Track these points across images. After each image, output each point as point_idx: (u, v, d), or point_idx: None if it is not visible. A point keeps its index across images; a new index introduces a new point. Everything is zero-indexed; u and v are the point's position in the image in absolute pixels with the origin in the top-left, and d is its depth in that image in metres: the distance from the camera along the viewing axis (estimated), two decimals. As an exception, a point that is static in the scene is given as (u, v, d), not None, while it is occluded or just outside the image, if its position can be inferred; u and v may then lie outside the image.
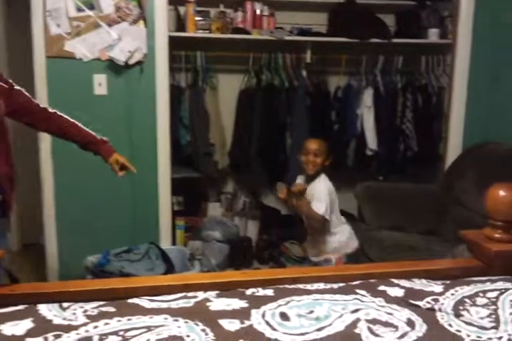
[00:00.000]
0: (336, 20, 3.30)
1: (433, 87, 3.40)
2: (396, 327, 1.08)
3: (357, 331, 1.06)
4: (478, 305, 1.16)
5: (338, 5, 3.31)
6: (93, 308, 1.16)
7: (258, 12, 3.19)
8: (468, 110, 3.12)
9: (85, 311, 1.15)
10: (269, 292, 1.24)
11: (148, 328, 1.06)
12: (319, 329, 1.07)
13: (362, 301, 1.19)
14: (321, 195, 2.52)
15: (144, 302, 1.19)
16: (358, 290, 1.25)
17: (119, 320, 1.09)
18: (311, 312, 1.13)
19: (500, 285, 1.25)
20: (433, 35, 3.34)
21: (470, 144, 3.03)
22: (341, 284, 1.30)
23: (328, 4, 3.34)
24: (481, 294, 1.21)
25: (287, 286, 1.29)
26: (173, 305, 1.18)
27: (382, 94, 3.34)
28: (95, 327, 1.07)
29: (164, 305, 1.18)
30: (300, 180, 2.72)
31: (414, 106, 3.36)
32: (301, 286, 1.28)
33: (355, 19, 3.24)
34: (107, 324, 1.08)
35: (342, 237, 2.62)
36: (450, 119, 3.17)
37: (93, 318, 1.11)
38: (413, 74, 3.43)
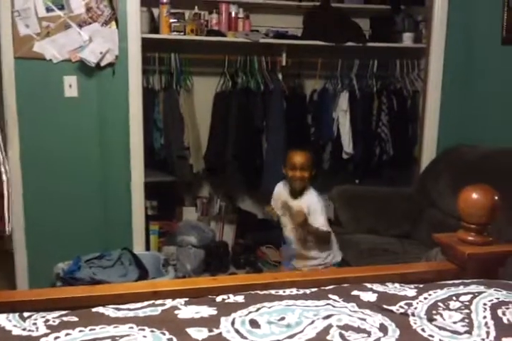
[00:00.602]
0: (311, 24, 3.30)
1: (408, 90, 3.44)
2: (368, 333, 1.05)
3: (329, 337, 1.03)
4: (451, 309, 1.15)
5: (313, 8, 3.31)
6: (55, 318, 1.11)
7: (233, 14, 3.17)
8: (443, 114, 3.15)
9: (47, 321, 1.09)
10: (240, 298, 1.21)
11: (113, 338, 1.01)
12: (290, 337, 1.04)
13: (334, 307, 1.17)
14: (319, 210, 2.42)
15: (108, 311, 1.14)
16: (330, 296, 1.23)
17: (81, 330, 1.04)
18: (282, 318, 1.10)
19: (473, 288, 1.24)
20: (407, 39, 3.37)
21: (444, 147, 3.06)
22: (314, 289, 1.27)
23: (303, 7, 3.34)
24: (454, 298, 1.19)
25: (259, 292, 1.25)
26: (140, 313, 1.14)
27: (358, 97, 3.36)
28: (56, 337, 1.02)
29: (130, 314, 1.13)
30: (280, 188, 2.60)
31: (390, 110, 3.38)
32: (272, 292, 1.25)
33: (331, 23, 3.25)
34: (68, 334, 1.03)
35: (333, 246, 2.54)
36: (425, 123, 3.19)
37: (54, 328, 1.06)
38: (388, 78, 3.45)
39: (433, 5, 3.06)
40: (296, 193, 2.50)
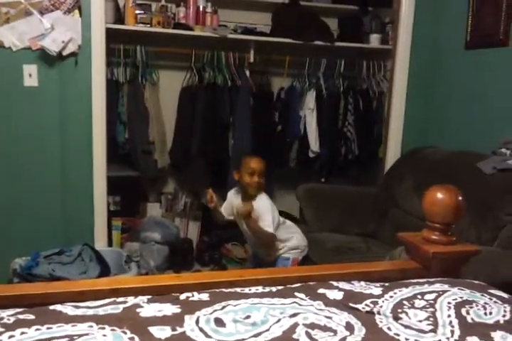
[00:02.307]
0: (279, 21, 3.29)
1: (374, 91, 3.47)
2: (335, 332, 1.04)
3: (295, 336, 1.02)
4: (416, 308, 1.15)
5: (281, 6, 3.30)
6: (10, 316, 1.05)
7: (201, 8, 3.12)
8: (407, 115, 3.20)
9: (1, 319, 1.04)
10: (205, 296, 1.18)
11: (71, 337, 0.97)
12: (256, 335, 1.02)
13: (300, 305, 1.15)
14: (266, 213, 2.41)
15: (67, 308, 1.10)
16: (296, 294, 1.21)
17: (37, 329, 0.99)
18: (248, 317, 1.08)
19: (437, 287, 1.24)
20: (374, 40, 3.41)
21: (409, 148, 3.11)
22: (280, 287, 1.26)
23: (272, 4, 3.33)
24: (419, 296, 1.20)
25: (224, 290, 1.23)
26: (100, 311, 1.09)
27: (325, 96, 3.37)
28: (10, 336, 0.97)
29: (90, 312, 1.09)
30: (232, 196, 2.58)
31: (356, 110, 3.41)
32: (238, 290, 1.23)
33: (299, 21, 3.24)
34: (23, 333, 0.98)
35: (295, 241, 2.52)
36: (390, 123, 3.23)
37: (9, 327, 1.00)
38: (355, 78, 3.48)
39: (400, 7, 3.11)
40: (247, 197, 2.47)
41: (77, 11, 2.55)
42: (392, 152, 3.21)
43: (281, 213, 2.94)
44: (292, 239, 2.51)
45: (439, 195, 1.41)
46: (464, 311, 1.12)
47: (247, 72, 3.27)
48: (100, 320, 1.04)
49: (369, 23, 3.47)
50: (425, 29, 3.12)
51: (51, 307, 1.11)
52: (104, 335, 0.98)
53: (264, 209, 2.42)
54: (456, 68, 3.02)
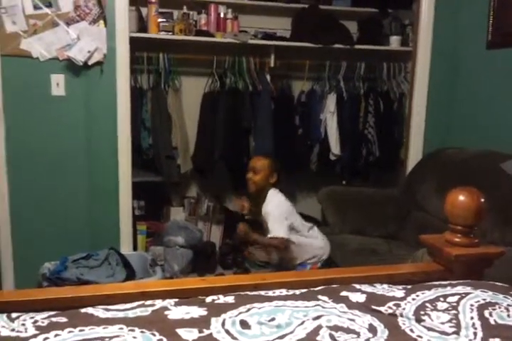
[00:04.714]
0: (299, 25, 3.31)
1: (394, 93, 3.46)
2: (358, 334, 1.06)
3: (319, 338, 1.04)
4: (439, 310, 1.16)
5: (301, 10, 3.32)
6: (43, 319, 1.10)
7: (222, 15, 3.17)
8: (429, 116, 3.19)
9: (35, 322, 1.08)
10: (230, 299, 1.21)
11: (102, 339, 1.01)
12: (281, 337, 1.04)
13: (324, 307, 1.17)
14: (274, 216, 2.40)
15: (98, 311, 1.14)
16: (319, 296, 1.24)
17: (70, 331, 1.03)
18: (273, 319, 1.11)
19: (460, 289, 1.25)
20: (394, 42, 3.40)
21: (430, 149, 3.09)
22: (303, 290, 1.28)
23: (291, 9, 3.35)
24: (441, 299, 1.21)
25: (248, 293, 1.25)
26: (130, 314, 1.13)
27: (345, 99, 3.37)
28: (45, 339, 1.01)
29: (120, 315, 1.13)
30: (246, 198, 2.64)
31: (376, 112, 3.41)
32: (262, 293, 1.25)
33: (319, 25, 3.26)
34: (57, 335, 1.02)
35: (316, 244, 2.54)
36: (411, 125, 3.22)
37: (43, 329, 1.05)
38: (375, 80, 3.47)
39: (420, 9, 3.10)
40: (253, 197, 2.50)
41: (102, 21, 2.62)
42: (414, 154, 3.20)
43: (302, 216, 2.97)
44: (311, 244, 2.51)
45: (461, 197, 1.42)
46: (486, 313, 1.13)
47: (268, 77, 3.29)
48: (130, 323, 1.08)
49: (389, 25, 3.46)
50: (445, 30, 3.10)
51: (83, 310, 1.15)
52: (134, 337, 1.02)
53: (270, 217, 2.41)
54: (477, 68, 3.00)
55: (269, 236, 2.41)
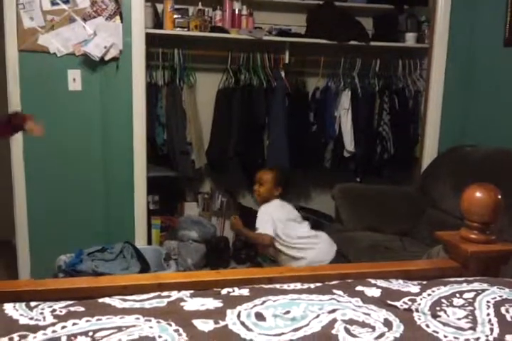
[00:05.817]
0: (314, 22, 3.30)
1: (410, 90, 3.44)
2: (373, 328, 1.06)
3: (334, 331, 1.04)
4: (455, 306, 1.15)
5: (316, 6, 3.31)
6: (61, 308, 1.11)
7: (237, 11, 3.17)
8: (444, 113, 3.17)
9: (53, 311, 1.10)
10: (245, 292, 1.22)
11: (119, 328, 1.02)
12: (295, 330, 1.04)
13: (339, 301, 1.17)
14: (262, 216, 2.52)
15: (115, 301, 1.15)
16: (334, 290, 1.24)
17: (88, 320, 1.05)
18: (288, 312, 1.11)
19: (476, 285, 1.24)
20: (410, 39, 3.38)
21: (446, 147, 3.07)
22: (318, 284, 1.28)
23: (306, 5, 3.34)
24: (457, 295, 1.20)
25: (263, 286, 1.26)
26: (146, 304, 1.14)
27: (360, 96, 3.36)
28: (63, 327, 1.02)
29: (137, 305, 1.14)
30: None
31: (391, 109, 3.39)
32: (277, 286, 1.26)
33: (334, 21, 3.25)
34: (75, 324, 1.03)
35: (315, 255, 2.49)
36: (426, 122, 3.20)
37: (61, 318, 1.06)
38: (390, 77, 3.45)
39: (436, 5, 3.08)
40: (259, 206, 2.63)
41: (118, 17, 2.64)
42: (429, 151, 3.18)
43: (316, 213, 2.97)
44: (309, 257, 2.50)
45: (478, 194, 1.41)
46: (503, 310, 1.12)
47: (283, 73, 3.29)
48: (146, 313, 1.09)
49: (404, 22, 3.44)
50: (462, 26, 3.08)
51: (100, 300, 1.16)
52: (151, 327, 1.03)
53: (258, 216, 2.55)
54: (494, 66, 2.97)
55: (255, 232, 2.49)
